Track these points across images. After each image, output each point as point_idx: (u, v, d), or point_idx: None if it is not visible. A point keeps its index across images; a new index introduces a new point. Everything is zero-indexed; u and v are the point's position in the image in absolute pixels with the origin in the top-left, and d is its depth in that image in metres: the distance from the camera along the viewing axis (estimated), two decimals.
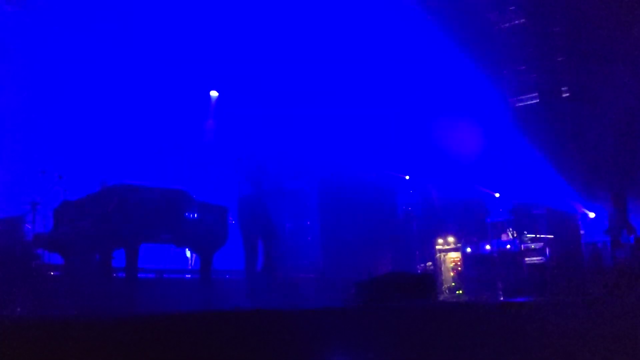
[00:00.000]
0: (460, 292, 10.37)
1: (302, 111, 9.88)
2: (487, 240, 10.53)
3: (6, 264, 5.56)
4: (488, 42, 11.51)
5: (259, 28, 8.91)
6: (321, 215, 9.85)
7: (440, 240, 11.18)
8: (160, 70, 8.87)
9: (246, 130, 6.21)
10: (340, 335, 3.47)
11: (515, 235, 10.22)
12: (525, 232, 10.20)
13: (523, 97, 12.76)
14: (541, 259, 9.72)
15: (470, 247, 10.42)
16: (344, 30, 9.76)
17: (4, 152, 7.37)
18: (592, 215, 10.69)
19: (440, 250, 11.10)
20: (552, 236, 10.29)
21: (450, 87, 11.18)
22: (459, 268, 10.68)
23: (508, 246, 10.11)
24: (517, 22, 11.38)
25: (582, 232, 10.50)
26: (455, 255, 10.87)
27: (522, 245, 9.92)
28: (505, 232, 10.65)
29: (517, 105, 13.00)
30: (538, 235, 10.23)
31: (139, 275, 4.88)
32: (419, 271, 10.61)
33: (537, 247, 9.87)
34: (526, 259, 9.76)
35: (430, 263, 11.05)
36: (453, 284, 10.75)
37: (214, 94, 9.67)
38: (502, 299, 9.16)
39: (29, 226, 6.38)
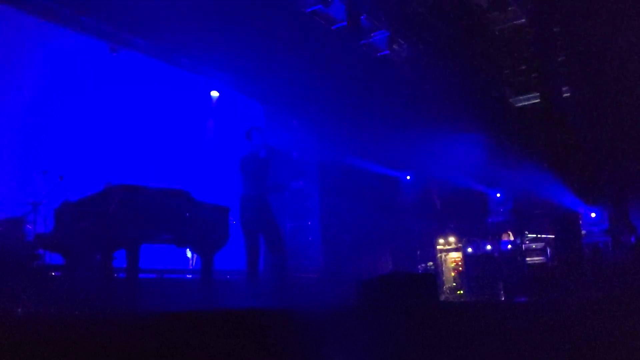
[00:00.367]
0: (461, 292, 10.37)
1: (302, 111, 9.89)
2: (488, 240, 10.53)
3: (7, 264, 5.56)
4: (488, 42, 11.53)
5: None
6: (322, 215, 9.85)
7: (441, 240, 11.19)
8: (160, 70, 8.89)
9: (247, 131, 6.18)
10: (341, 334, 3.47)
11: (514, 236, 10.23)
12: (527, 232, 10.20)
13: (523, 97, 12.78)
14: (542, 259, 9.71)
15: (471, 247, 10.41)
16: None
17: (5, 152, 7.38)
18: (593, 215, 10.66)
19: (442, 250, 11.10)
20: (553, 236, 10.29)
21: (450, 87, 11.19)
22: (460, 268, 10.68)
23: (509, 246, 10.11)
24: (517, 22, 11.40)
25: (583, 232, 10.49)
26: (456, 255, 10.87)
27: (523, 245, 9.91)
28: (506, 232, 10.66)
29: (517, 105, 13.02)
30: (539, 235, 10.22)
31: (139, 275, 4.88)
32: (420, 271, 10.61)
33: (538, 247, 9.87)
34: (527, 259, 9.75)
35: (431, 263, 11.06)
36: (454, 284, 10.75)
37: (214, 94, 9.69)
38: (503, 299, 9.16)
39: (30, 226, 6.38)
